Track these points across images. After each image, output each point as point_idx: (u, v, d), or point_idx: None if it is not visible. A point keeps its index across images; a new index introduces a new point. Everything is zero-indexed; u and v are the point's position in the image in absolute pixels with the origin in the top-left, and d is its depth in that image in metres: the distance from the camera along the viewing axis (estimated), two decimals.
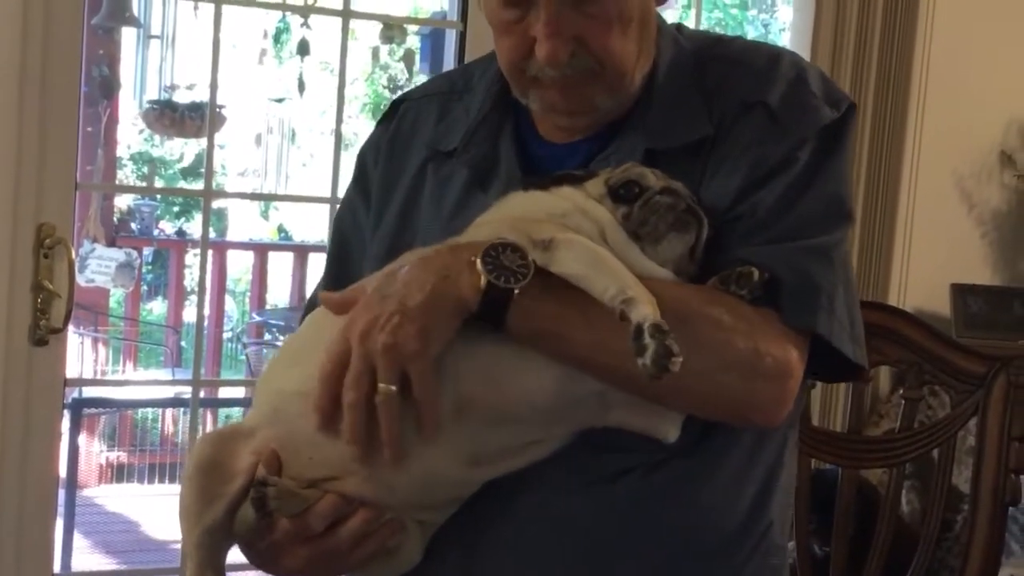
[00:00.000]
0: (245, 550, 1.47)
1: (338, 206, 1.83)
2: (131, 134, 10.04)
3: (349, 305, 1.42)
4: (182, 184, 10.79)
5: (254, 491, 1.39)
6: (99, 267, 6.88)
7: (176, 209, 10.81)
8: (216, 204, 10.09)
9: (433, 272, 1.38)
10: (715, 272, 1.47)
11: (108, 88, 7.37)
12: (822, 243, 1.51)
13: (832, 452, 2.27)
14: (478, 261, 1.36)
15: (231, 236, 10.32)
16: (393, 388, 1.35)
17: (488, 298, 1.36)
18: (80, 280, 5.60)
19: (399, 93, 1.97)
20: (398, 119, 1.77)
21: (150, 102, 7.89)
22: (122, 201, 8.72)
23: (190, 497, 1.43)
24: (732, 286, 1.45)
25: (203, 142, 8.45)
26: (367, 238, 1.72)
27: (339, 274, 1.72)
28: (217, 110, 6.31)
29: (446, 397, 1.38)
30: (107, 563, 6.02)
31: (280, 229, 11.11)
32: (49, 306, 2.82)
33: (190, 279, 8.73)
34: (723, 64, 1.60)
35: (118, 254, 7.02)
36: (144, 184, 10.32)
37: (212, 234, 9.30)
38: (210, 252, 5.96)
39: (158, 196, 10.29)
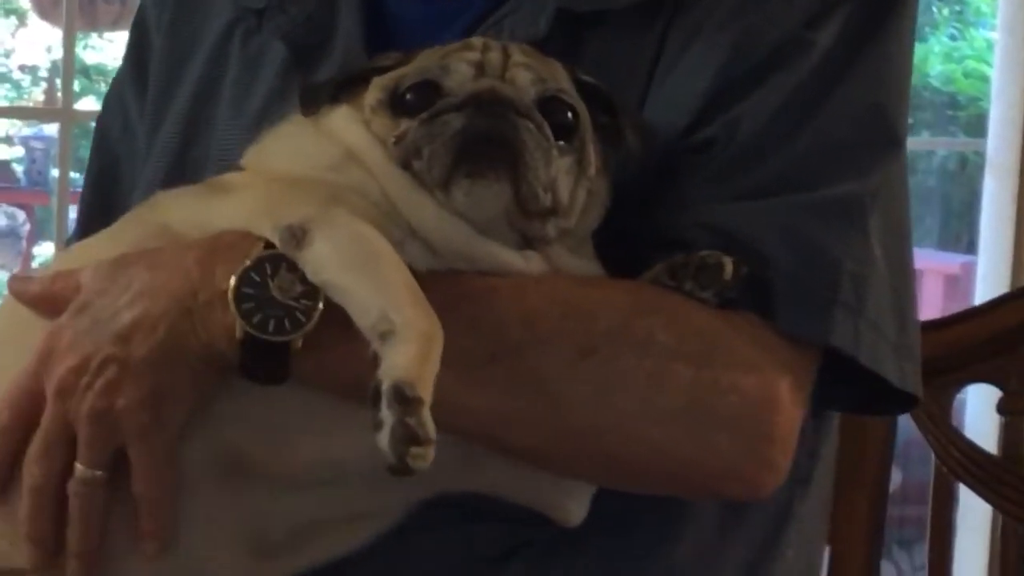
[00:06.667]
0: None
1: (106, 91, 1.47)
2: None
3: (55, 304, 1.10)
4: None
5: None
6: None
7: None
8: None
9: (171, 297, 1.06)
10: (660, 249, 1.12)
11: None
12: (849, 193, 1.15)
13: None
14: (230, 294, 1.04)
15: None
16: (99, 473, 1.07)
17: (250, 351, 1.04)
18: None
19: None
20: None
21: None
22: None
23: None
24: (687, 283, 1.11)
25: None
26: (140, 150, 1.37)
27: (102, 207, 1.38)
28: None
29: (201, 452, 1.08)
30: None
31: None
32: None
33: None
34: None
35: None
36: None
37: None
38: None
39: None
